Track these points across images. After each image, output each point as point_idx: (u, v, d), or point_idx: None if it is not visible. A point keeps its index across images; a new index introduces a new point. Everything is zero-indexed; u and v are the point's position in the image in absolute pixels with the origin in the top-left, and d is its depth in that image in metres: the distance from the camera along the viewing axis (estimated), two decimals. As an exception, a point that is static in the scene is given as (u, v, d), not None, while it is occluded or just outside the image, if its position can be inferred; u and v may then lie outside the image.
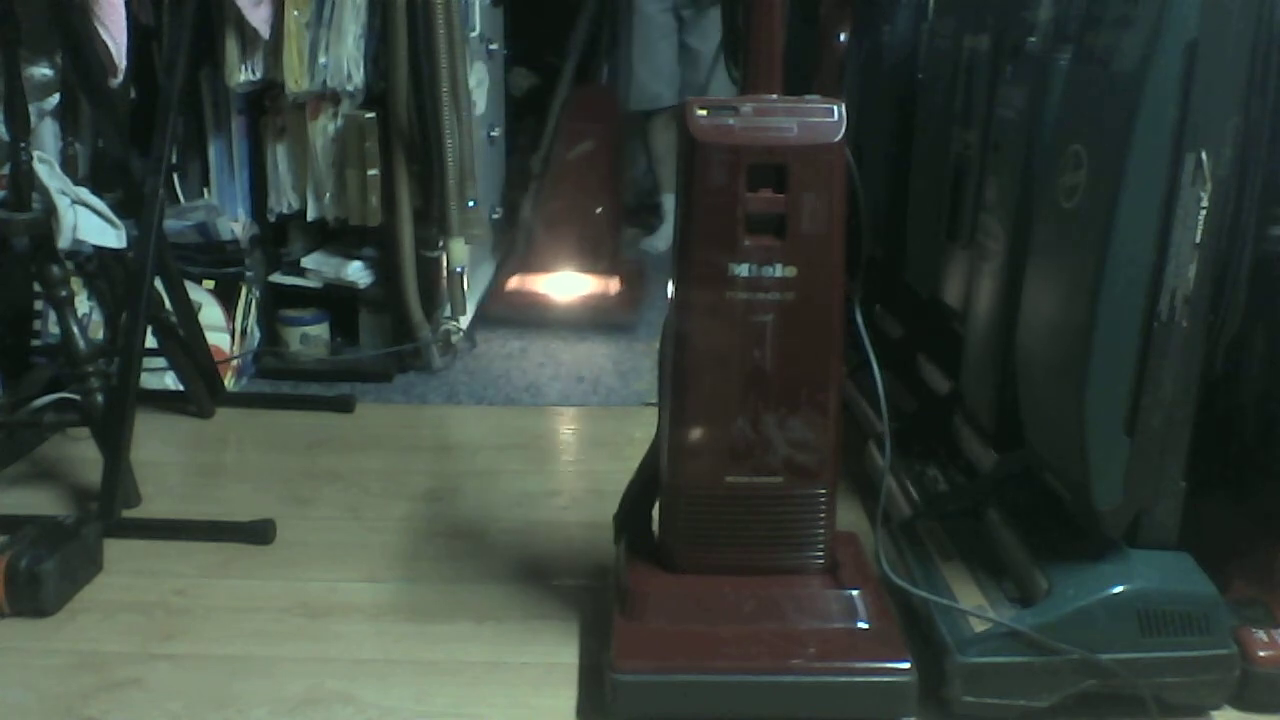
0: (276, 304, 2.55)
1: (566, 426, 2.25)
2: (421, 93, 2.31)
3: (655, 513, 1.41)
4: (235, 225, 2.43)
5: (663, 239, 3.57)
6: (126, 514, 1.75)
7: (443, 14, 2.28)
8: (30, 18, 1.79)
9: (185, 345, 2.11)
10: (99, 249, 1.92)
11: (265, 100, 2.46)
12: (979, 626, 1.26)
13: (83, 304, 2.21)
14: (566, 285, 2.88)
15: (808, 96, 1.26)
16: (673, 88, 3.49)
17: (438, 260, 2.44)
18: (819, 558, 1.34)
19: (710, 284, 1.25)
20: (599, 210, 2.96)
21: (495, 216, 2.99)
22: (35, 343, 2.19)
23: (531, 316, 2.81)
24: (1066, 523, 1.32)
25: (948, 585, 1.36)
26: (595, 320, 2.78)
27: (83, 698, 1.30)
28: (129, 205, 1.95)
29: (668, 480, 1.33)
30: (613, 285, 2.87)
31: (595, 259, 2.91)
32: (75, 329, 1.80)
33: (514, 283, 2.88)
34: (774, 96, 1.27)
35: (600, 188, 2.99)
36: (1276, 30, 1.17)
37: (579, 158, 2.97)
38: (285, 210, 2.49)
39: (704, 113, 1.24)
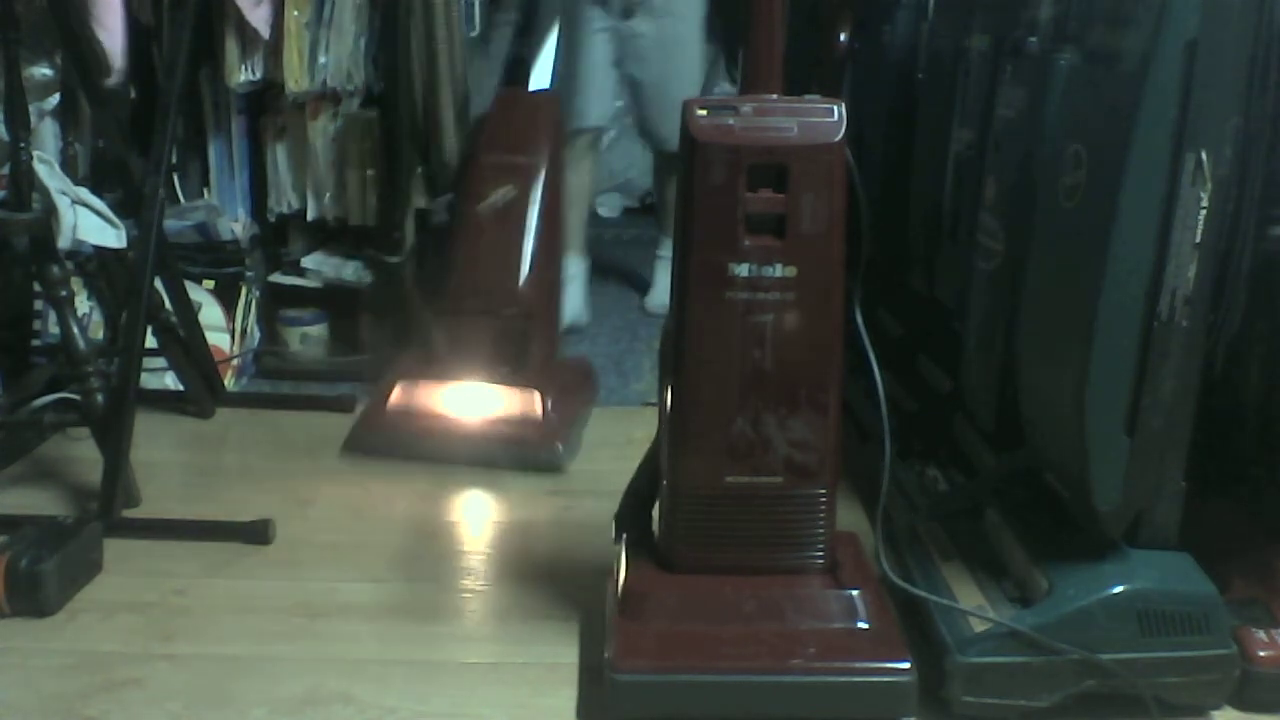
0: (276, 304, 2.55)
1: (566, 426, 2.25)
2: (420, 92, 2.31)
3: (655, 513, 1.41)
4: (235, 225, 2.43)
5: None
6: (126, 514, 1.75)
7: (443, 14, 2.28)
8: (30, 18, 1.79)
9: (185, 345, 2.11)
10: (99, 249, 1.93)
11: (265, 100, 2.46)
12: (979, 626, 1.26)
13: (83, 304, 2.21)
14: (469, 402, 2.03)
15: (808, 96, 1.26)
16: (603, 104, 2.73)
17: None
18: (819, 558, 1.34)
19: (710, 284, 1.25)
20: (520, 290, 2.06)
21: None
22: (35, 343, 2.19)
23: (414, 447, 1.98)
24: (1066, 523, 1.32)
25: (948, 585, 1.36)
26: (507, 456, 1.96)
27: (83, 698, 1.30)
28: (129, 205, 1.95)
29: (668, 480, 1.33)
30: (533, 404, 2.01)
31: (516, 362, 2.05)
32: (75, 329, 1.80)
33: (398, 395, 2.05)
34: (774, 96, 1.27)
35: (522, 257, 2.05)
36: (1276, 30, 1.17)
37: (494, 212, 2.04)
38: (285, 210, 2.49)
39: (704, 113, 1.24)
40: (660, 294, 2.84)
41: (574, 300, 2.76)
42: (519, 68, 2.31)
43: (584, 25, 2.61)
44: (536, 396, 2.01)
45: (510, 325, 2.04)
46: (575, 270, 2.79)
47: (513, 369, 2.04)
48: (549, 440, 1.98)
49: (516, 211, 2.06)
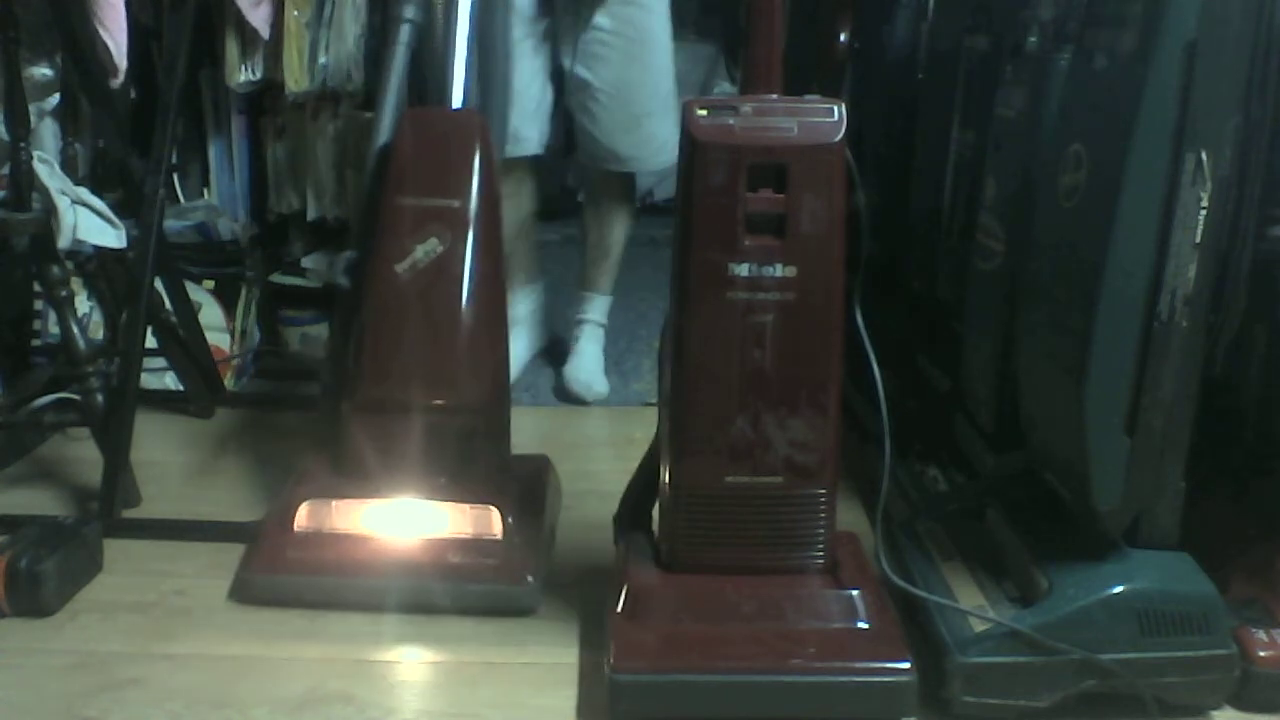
0: (276, 304, 2.55)
1: (566, 427, 2.25)
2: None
3: (655, 513, 1.41)
4: (235, 225, 2.43)
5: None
6: (126, 514, 1.75)
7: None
8: (30, 18, 1.79)
9: (185, 345, 2.11)
10: (99, 249, 1.93)
11: (265, 100, 2.46)
12: (979, 626, 1.26)
13: (83, 304, 2.21)
14: (402, 525, 1.54)
15: (808, 96, 1.26)
16: (539, 125, 2.22)
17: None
18: (819, 557, 1.34)
19: (710, 284, 1.25)
20: (459, 374, 1.56)
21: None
22: (35, 343, 2.19)
23: (327, 592, 1.50)
24: (1066, 523, 1.32)
25: (948, 585, 1.36)
26: (459, 597, 1.49)
27: (83, 698, 1.30)
28: (129, 205, 1.95)
29: (668, 480, 1.33)
30: (490, 524, 1.53)
31: (460, 468, 1.55)
32: (75, 329, 1.80)
33: (305, 516, 1.55)
34: (774, 96, 1.27)
35: (458, 330, 1.55)
36: (1276, 30, 1.17)
37: (416, 273, 1.52)
38: (285, 210, 2.50)
39: (704, 113, 1.24)
40: (584, 369, 2.37)
41: (524, 339, 2.40)
42: (426, 81, 1.73)
43: (514, 28, 2.05)
44: (494, 514, 1.52)
45: (449, 422, 1.54)
46: (526, 305, 2.44)
47: (456, 478, 1.55)
48: (515, 572, 1.50)
49: (447, 271, 1.53)
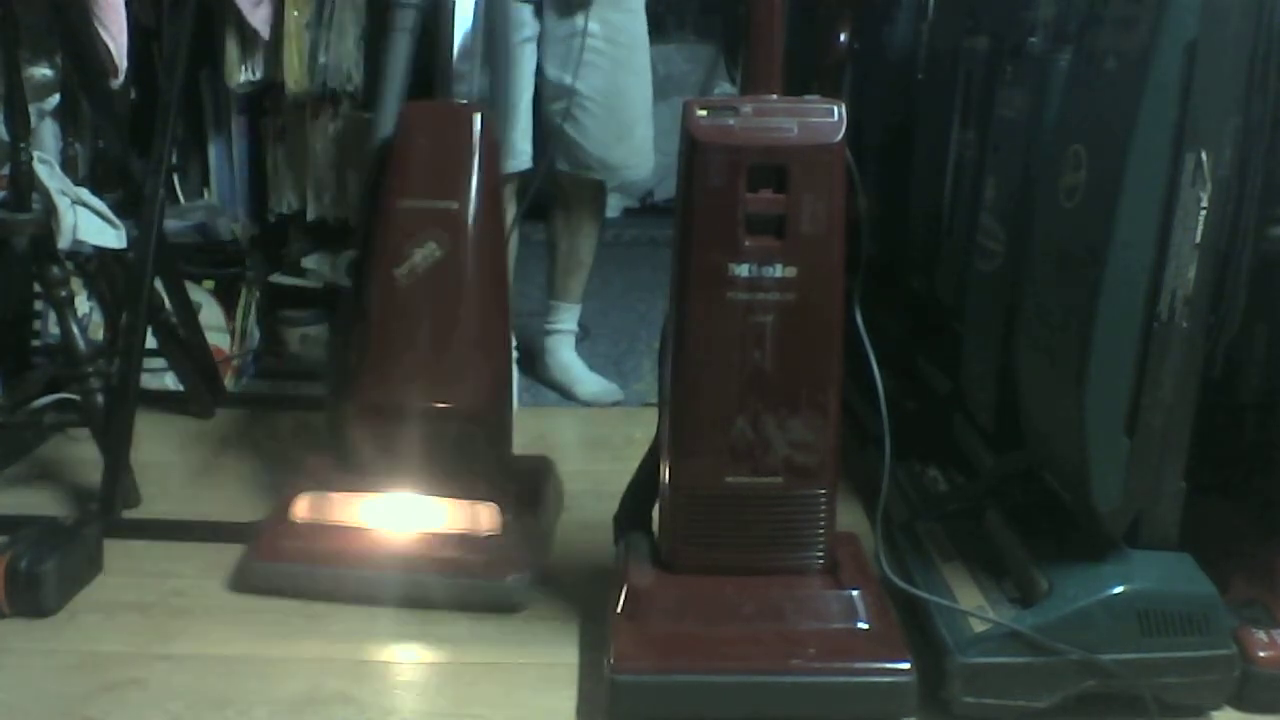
0: (276, 304, 2.55)
1: (566, 427, 2.25)
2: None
3: (655, 513, 1.41)
4: (235, 226, 2.43)
5: None
6: (126, 514, 1.75)
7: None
8: (30, 18, 1.79)
9: (185, 345, 2.12)
10: (99, 249, 1.93)
11: (265, 100, 2.46)
12: (979, 627, 1.26)
13: (83, 304, 2.21)
14: (396, 520, 1.55)
15: (808, 96, 1.26)
16: (529, 137, 2.11)
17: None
18: (819, 558, 1.34)
19: (710, 284, 1.25)
20: (459, 380, 1.56)
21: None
22: (35, 343, 2.19)
23: (320, 584, 1.52)
24: (1066, 523, 1.32)
25: (947, 585, 1.36)
26: (452, 591, 1.49)
27: (83, 698, 1.30)
28: (129, 205, 1.95)
29: (668, 480, 1.33)
30: (486, 518, 1.54)
31: (459, 467, 1.56)
32: (75, 329, 1.80)
33: (303, 508, 1.57)
34: (774, 97, 1.27)
35: (458, 335, 1.56)
36: (1276, 30, 1.17)
37: (415, 277, 1.53)
38: (285, 210, 2.49)
39: (704, 113, 1.24)
40: (579, 379, 2.37)
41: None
42: (433, 72, 1.61)
43: (511, 32, 1.94)
44: (490, 510, 1.53)
45: (449, 425, 1.54)
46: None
47: (454, 476, 1.55)
48: (508, 567, 1.49)
49: (446, 276, 1.52)
